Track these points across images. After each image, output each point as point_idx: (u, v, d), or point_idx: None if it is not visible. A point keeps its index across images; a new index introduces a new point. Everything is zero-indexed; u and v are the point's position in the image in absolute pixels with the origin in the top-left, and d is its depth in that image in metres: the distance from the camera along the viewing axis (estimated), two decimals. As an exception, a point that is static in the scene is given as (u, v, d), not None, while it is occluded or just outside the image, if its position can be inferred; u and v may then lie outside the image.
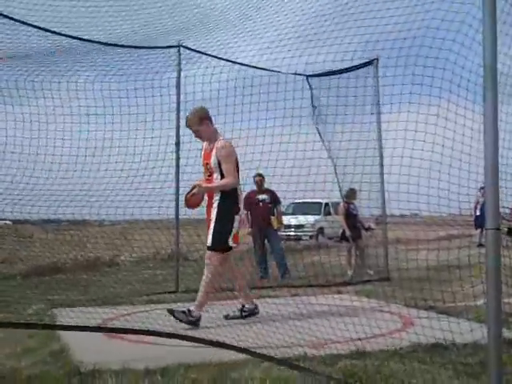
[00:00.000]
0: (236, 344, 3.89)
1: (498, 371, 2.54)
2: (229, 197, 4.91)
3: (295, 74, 6.33)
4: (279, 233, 9.29)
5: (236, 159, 5.02)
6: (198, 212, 5.33)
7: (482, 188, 3.69)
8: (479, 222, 11.52)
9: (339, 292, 6.79)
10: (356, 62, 6.69)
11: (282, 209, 9.44)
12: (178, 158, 6.93)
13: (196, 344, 4.02)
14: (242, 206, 5.11)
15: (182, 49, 7.10)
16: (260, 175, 8.42)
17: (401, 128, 3.47)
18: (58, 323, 4.86)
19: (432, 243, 7.39)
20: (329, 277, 7.67)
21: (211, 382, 3.23)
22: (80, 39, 6.05)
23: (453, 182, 3.11)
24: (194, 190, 4.95)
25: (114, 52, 6.56)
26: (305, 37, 4.56)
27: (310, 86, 7.77)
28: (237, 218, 4.97)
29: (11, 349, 4.05)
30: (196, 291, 5.05)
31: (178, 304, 5.34)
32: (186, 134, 6.41)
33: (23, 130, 5.77)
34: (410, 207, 3.37)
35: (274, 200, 8.68)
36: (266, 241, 8.79)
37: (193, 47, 7.08)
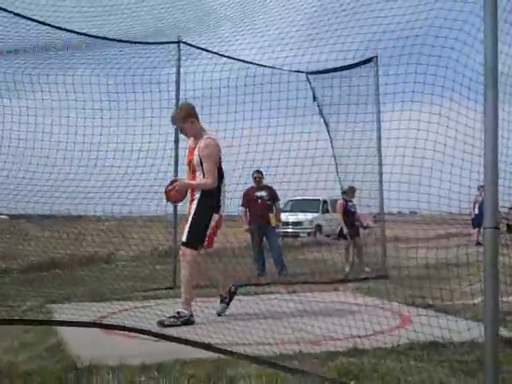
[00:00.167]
0: (229, 340, 3.89)
1: (495, 369, 2.55)
2: (209, 195, 4.85)
3: (295, 71, 6.33)
4: (277, 230, 9.30)
5: (219, 158, 4.94)
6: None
7: (480, 187, 3.69)
8: (477, 220, 11.55)
9: (336, 289, 6.80)
10: (358, 61, 6.70)
11: (281, 206, 9.44)
12: (176, 156, 6.91)
13: (191, 339, 4.02)
14: (223, 205, 5.00)
15: (181, 44, 7.08)
16: (259, 172, 8.41)
17: (403, 127, 3.46)
18: (53, 319, 4.85)
19: (431, 241, 7.40)
20: (326, 274, 7.68)
21: (207, 378, 3.23)
22: (78, 33, 6.02)
23: (454, 182, 3.11)
24: (175, 187, 4.88)
25: (112, 46, 6.53)
26: (307, 36, 4.55)
27: (310, 83, 7.78)
28: (215, 216, 4.88)
29: (8, 343, 4.04)
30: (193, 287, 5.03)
31: (176, 299, 5.33)
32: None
33: (19, 123, 5.75)
34: (410, 206, 3.37)
35: (273, 197, 8.67)
36: (263, 238, 8.80)
37: (193, 43, 7.06)
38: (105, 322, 4.85)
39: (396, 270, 5.86)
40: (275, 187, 8.19)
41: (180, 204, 5.26)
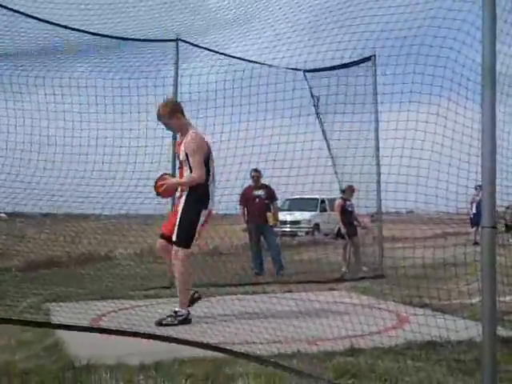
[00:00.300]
0: (227, 339, 3.90)
1: (493, 369, 2.56)
2: (197, 190, 4.78)
3: (293, 69, 6.33)
4: (275, 229, 9.30)
5: (206, 153, 4.85)
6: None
7: (478, 186, 3.69)
8: (475, 220, 11.57)
9: (334, 289, 6.81)
10: (356, 59, 6.70)
11: (278, 205, 9.44)
12: (174, 154, 6.91)
13: (190, 339, 4.02)
14: (212, 200, 4.94)
15: (180, 43, 7.07)
16: (257, 171, 8.40)
17: (401, 127, 3.46)
18: (52, 317, 4.84)
19: (428, 241, 7.41)
20: (324, 273, 7.69)
21: (205, 377, 3.23)
22: (76, 30, 6.00)
23: (451, 182, 3.11)
24: (164, 186, 4.84)
25: (109, 44, 6.52)
26: (304, 35, 4.55)
27: (307, 81, 7.78)
28: (204, 212, 4.83)
29: (5, 342, 4.04)
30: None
31: (173, 298, 5.33)
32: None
33: (16, 125, 5.74)
34: (407, 206, 3.37)
35: (271, 196, 8.67)
36: (261, 237, 8.80)
37: (191, 41, 7.05)
38: (103, 320, 4.86)
39: (393, 269, 5.86)
40: (272, 187, 8.20)
41: (169, 198, 5.20)
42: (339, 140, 6.47)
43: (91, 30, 6.09)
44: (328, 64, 5.08)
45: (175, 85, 7.03)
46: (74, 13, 5.71)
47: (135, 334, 3.83)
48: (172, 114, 4.88)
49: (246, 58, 6.14)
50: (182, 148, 4.82)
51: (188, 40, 6.98)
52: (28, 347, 3.91)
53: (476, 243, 11.10)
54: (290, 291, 6.54)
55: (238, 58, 6.51)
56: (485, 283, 2.58)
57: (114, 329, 4.04)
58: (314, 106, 7.59)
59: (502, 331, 3.58)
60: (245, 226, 8.86)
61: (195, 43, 7.01)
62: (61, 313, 4.79)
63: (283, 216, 15.47)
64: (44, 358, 3.63)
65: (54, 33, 5.89)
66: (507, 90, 3.21)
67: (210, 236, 7.93)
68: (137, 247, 9.56)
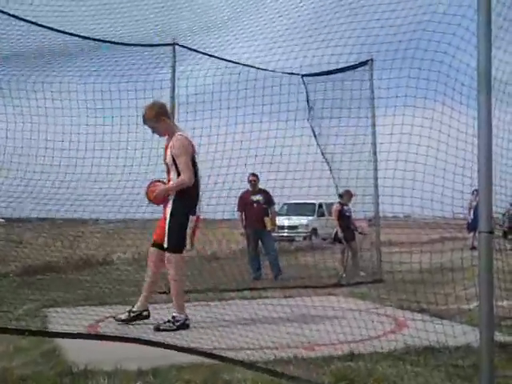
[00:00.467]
0: (224, 345, 3.89)
1: (490, 374, 2.56)
2: (184, 196, 4.74)
3: (290, 73, 6.34)
4: (273, 234, 9.30)
5: (192, 155, 4.81)
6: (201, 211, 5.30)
7: (475, 191, 3.69)
8: (472, 225, 11.57)
9: (332, 294, 6.80)
10: (353, 64, 6.71)
11: (276, 209, 9.44)
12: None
13: (187, 345, 4.02)
14: (198, 205, 4.90)
15: (176, 47, 7.08)
16: (254, 175, 8.40)
17: (396, 131, 3.47)
18: (49, 324, 4.83)
19: (425, 246, 7.41)
20: (322, 278, 7.68)
21: (203, 383, 3.22)
22: (71, 34, 6.00)
23: (447, 186, 3.12)
24: (154, 193, 4.81)
25: (107, 49, 6.52)
26: (299, 39, 4.55)
27: (304, 85, 7.79)
28: (192, 218, 4.79)
29: (3, 348, 4.02)
30: (187, 292, 5.00)
31: (169, 305, 5.32)
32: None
33: (15, 130, 5.74)
34: (403, 210, 3.38)
35: (268, 201, 8.67)
36: (259, 242, 8.79)
37: (187, 44, 7.07)
38: (100, 326, 4.84)
39: (391, 274, 5.86)
40: (269, 191, 8.20)
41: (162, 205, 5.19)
42: (335, 145, 6.49)
43: (86, 35, 6.10)
44: (324, 68, 5.08)
45: (172, 88, 7.04)
46: (69, 15, 5.72)
47: (133, 340, 3.82)
48: (158, 117, 4.83)
49: (242, 60, 6.15)
50: (169, 151, 4.78)
51: (184, 42, 7.00)
52: (25, 353, 3.89)
53: (473, 248, 11.11)
54: (287, 296, 6.53)
55: (234, 62, 6.52)
56: (482, 288, 2.59)
57: (112, 335, 4.02)
58: (309, 111, 7.60)
59: (499, 336, 3.58)
60: (243, 230, 8.85)
61: (192, 46, 7.03)
62: (58, 319, 4.77)
63: (281, 221, 15.46)
64: (42, 364, 3.62)
65: (49, 37, 5.89)
66: (502, 96, 3.23)
67: (208, 240, 7.93)
68: (135, 252, 9.53)
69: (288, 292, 6.86)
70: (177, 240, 4.74)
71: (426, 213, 3.30)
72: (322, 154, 7.54)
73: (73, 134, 5.99)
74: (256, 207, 8.71)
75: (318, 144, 7.74)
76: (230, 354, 3.68)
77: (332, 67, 5.06)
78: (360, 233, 9.10)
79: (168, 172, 4.86)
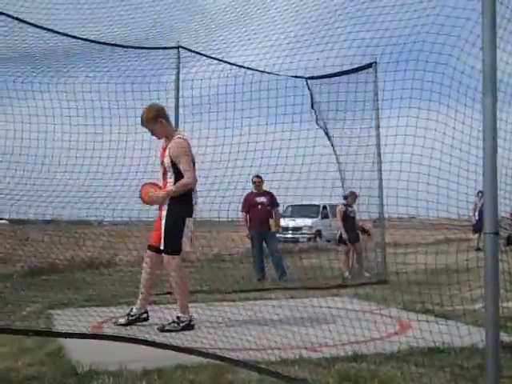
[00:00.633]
0: (228, 346, 3.89)
1: (496, 375, 2.56)
2: (180, 198, 4.74)
3: (294, 76, 6.35)
4: (277, 235, 9.30)
5: (192, 157, 4.83)
6: (196, 214, 5.29)
7: (480, 192, 3.69)
8: (478, 226, 11.56)
9: (337, 294, 6.80)
10: (355, 67, 6.72)
11: (280, 211, 9.45)
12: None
13: (192, 345, 4.03)
14: (195, 207, 4.90)
15: (181, 50, 7.11)
16: (258, 177, 8.42)
17: (400, 133, 3.47)
18: (53, 324, 4.84)
19: (430, 247, 7.39)
20: (326, 279, 7.68)
21: (208, 383, 3.23)
22: (77, 38, 6.04)
23: (451, 189, 3.12)
24: (153, 198, 4.78)
25: (111, 52, 6.55)
26: (304, 41, 4.56)
27: (309, 88, 7.81)
28: (188, 220, 4.79)
29: (7, 349, 4.04)
30: (191, 292, 5.01)
31: (174, 306, 5.33)
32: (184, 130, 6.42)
33: (22, 130, 5.76)
34: (408, 211, 3.38)
35: (273, 202, 8.68)
36: (263, 243, 8.80)
37: (192, 48, 7.09)
38: (104, 326, 4.86)
39: (395, 275, 5.86)
40: (273, 191, 8.19)
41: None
42: (341, 147, 6.50)
43: (91, 37, 6.13)
44: (328, 71, 5.09)
45: (176, 90, 7.06)
46: (74, 18, 5.75)
47: (138, 341, 3.82)
48: (156, 119, 4.83)
49: (246, 62, 6.16)
50: (167, 153, 4.78)
51: (189, 44, 7.02)
52: (30, 354, 3.91)
53: (478, 249, 11.09)
54: (291, 297, 6.53)
55: (238, 65, 6.54)
56: (487, 289, 2.59)
57: (117, 335, 4.03)
58: (315, 114, 7.62)
59: (505, 337, 3.58)
60: (247, 232, 8.87)
61: (195, 47, 7.06)
62: (62, 320, 4.79)
63: (285, 222, 15.48)
64: (46, 365, 3.63)
65: (55, 39, 5.92)
66: (508, 99, 3.23)
67: (212, 242, 7.93)
68: (138, 254, 9.56)
69: (292, 293, 6.87)
70: (173, 242, 4.74)
71: (431, 214, 3.30)
72: (336, 154, 7.55)
73: (80, 134, 6.01)
74: (260, 209, 8.72)
75: (332, 145, 7.76)
76: (234, 355, 3.70)
77: (336, 70, 5.06)
78: (366, 231, 9.08)
79: (164, 174, 4.85)
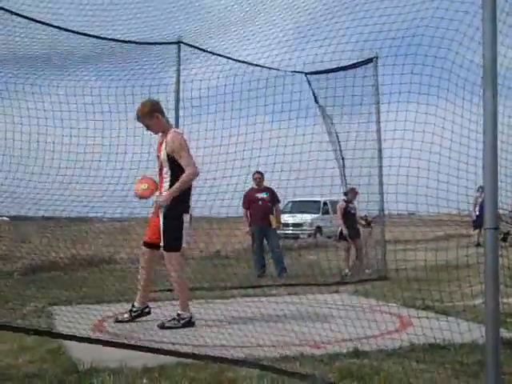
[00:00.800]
0: (230, 342, 3.89)
1: (496, 371, 2.55)
2: (177, 194, 4.70)
3: (295, 71, 6.33)
4: (278, 231, 9.30)
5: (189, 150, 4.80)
6: (199, 211, 5.30)
7: (480, 187, 3.68)
8: (478, 222, 11.54)
9: (337, 291, 6.79)
10: (354, 61, 6.71)
11: (281, 207, 9.44)
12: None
13: (193, 342, 4.03)
14: (191, 204, 4.89)
15: (182, 45, 7.09)
16: (259, 173, 8.40)
17: (399, 128, 3.46)
18: (54, 321, 4.85)
19: (430, 243, 7.38)
20: (326, 276, 7.68)
21: (209, 380, 3.23)
22: (77, 33, 6.02)
23: (451, 183, 3.11)
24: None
25: (111, 47, 6.54)
26: (302, 38, 4.55)
27: (309, 83, 7.79)
28: (186, 216, 4.78)
29: (8, 346, 4.04)
30: (192, 289, 5.01)
31: (173, 302, 5.33)
32: (185, 131, 6.41)
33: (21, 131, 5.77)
34: (408, 208, 3.37)
35: (273, 198, 8.67)
36: (264, 239, 8.80)
37: (192, 44, 7.08)
38: (105, 323, 4.86)
39: (396, 271, 5.85)
40: (273, 186, 8.20)
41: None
42: (343, 141, 6.48)
43: (92, 33, 6.12)
44: (327, 65, 5.07)
45: (177, 88, 7.05)
46: (74, 14, 5.74)
47: (137, 348, 3.73)
48: (151, 114, 4.81)
49: (246, 59, 6.16)
50: (163, 148, 4.76)
51: (190, 42, 7.01)
52: (31, 351, 3.90)
53: (478, 245, 11.08)
54: (292, 294, 6.52)
55: (238, 60, 6.52)
56: (487, 284, 2.58)
57: (115, 341, 3.95)
58: (321, 111, 7.60)
59: (505, 333, 3.57)
60: (248, 228, 8.86)
61: (196, 46, 7.04)
62: (63, 317, 4.80)
63: (285, 218, 15.46)
64: (47, 362, 3.63)
65: (55, 37, 5.91)
66: (505, 92, 3.21)
67: (212, 238, 7.94)
68: (139, 250, 9.56)
69: (292, 289, 6.86)
70: (173, 239, 4.74)
71: (431, 210, 3.29)
72: (340, 150, 7.53)
73: (80, 136, 6.01)
74: (261, 205, 8.71)
75: (337, 141, 7.74)
76: (235, 352, 3.69)
77: (335, 64, 5.04)
78: (369, 223, 9.05)
79: (160, 169, 4.84)
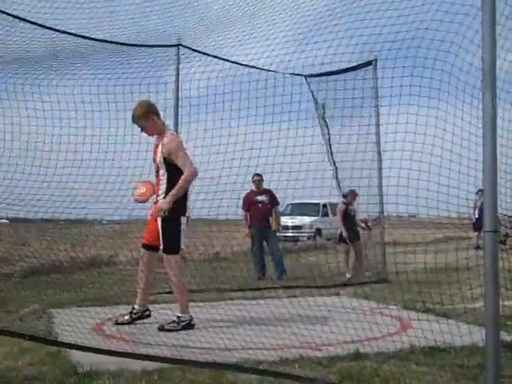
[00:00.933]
0: (229, 345, 3.89)
1: (496, 374, 2.55)
2: (180, 196, 4.69)
3: (294, 74, 6.33)
4: (277, 234, 9.30)
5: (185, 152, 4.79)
6: (197, 212, 5.29)
7: (479, 190, 3.67)
8: (477, 224, 11.54)
9: (337, 293, 6.79)
10: (354, 64, 6.71)
11: (280, 209, 9.44)
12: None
13: (193, 345, 4.02)
14: (187, 206, 4.89)
15: (181, 48, 7.10)
16: (258, 175, 8.40)
17: (400, 130, 3.46)
18: (53, 324, 4.84)
19: (430, 245, 7.37)
20: (326, 278, 7.67)
21: (208, 383, 3.22)
22: (77, 35, 6.02)
23: (452, 186, 3.11)
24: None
25: (111, 49, 6.54)
26: (301, 40, 4.55)
27: (308, 85, 7.79)
28: (183, 219, 4.77)
29: (8, 348, 4.03)
30: (191, 292, 5.00)
31: (172, 305, 5.32)
32: (184, 131, 6.42)
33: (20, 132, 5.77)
34: (408, 210, 3.37)
35: (273, 201, 8.67)
36: (263, 242, 8.79)
37: (192, 46, 7.09)
38: (104, 326, 4.85)
39: (396, 274, 5.85)
40: (272, 189, 8.19)
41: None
42: (343, 144, 6.47)
43: (91, 36, 6.12)
44: (327, 68, 5.08)
45: (176, 86, 7.06)
46: (73, 16, 5.74)
47: (131, 355, 3.69)
48: (147, 116, 4.80)
49: (246, 61, 6.17)
50: (159, 150, 4.76)
51: (189, 43, 7.01)
52: (31, 353, 3.89)
53: (478, 247, 11.07)
54: (292, 296, 6.52)
55: (237, 63, 6.53)
56: (487, 287, 2.58)
57: (112, 350, 3.90)
58: (319, 112, 7.60)
59: (505, 336, 3.57)
60: (247, 230, 8.86)
61: (196, 47, 7.04)
62: (62, 320, 4.79)
63: (285, 221, 15.45)
64: (47, 365, 3.62)
65: (54, 39, 5.91)
66: (504, 96, 3.22)
67: (211, 240, 7.93)
68: (138, 252, 9.55)
69: (292, 292, 6.86)
70: (172, 241, 4.74)
71: (431, 212, 3.28)
72: (331, 153, 7.53)
73: (78, 135, 6.01)
74: (260, 207, 8.72)
75: (328, 144, 7.74)
76: (235, 354, 3.69)
77: (334, 67, 5.05)
78: (367, 225, 9.04)
79: (157, 171, 4.84)
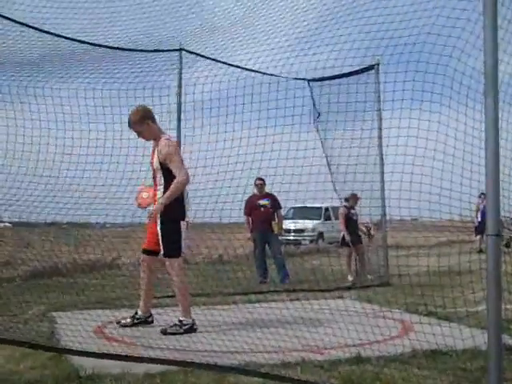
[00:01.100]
0: (231, 348, 3.89)
1: (498, 377, 2.55)
2: (172, 202, 4.67)
3: (296, 78, 6.34)
4: (280, 237, 9.30)
5: (181, 157, 4.81)
6: (201, 215, 5.30)
7: (482, 194, 3.67)
8: (480, 228, 11.53)
9: (339, 297, 6.79)
10: (356, 68, 6.73)
11: (283, 213, 9.44)
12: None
13: (195, 348, 4.03)
14: (188, 211, 4.90)
15: (183, 52, 7.12)
16: (261, 179, 8.41)
17: (402, 134, 3.47)
18: (56, 327, 4.84)
19: (432, 249, 7.37)
20: (328, 282, 7.67)
21: (210, 386, 3.22)
22: (79, 41, 6.05)
23: (455, 190, 3.11)
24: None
25: (114, 55, 6.57)
26: (304, 43, 4.56)
27: (311, 90, 7.80)
28: (183, 223, 4.78)
29: (10, 352, 4.03)
30: (193, 295, 5.00)
31: (173, 309, 5.33)
32: (187, 135, 6.44)
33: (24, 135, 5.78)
34: (411, 213, 3.37)
35: (275, 205, 8.68)
36: (266, 245, 8.79)
37: (194, 51, 7.11)
38: (107, 329, 4.86)
39: (398, 277, 5.85)
40: (274, 193, 8.20)
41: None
42: (346, 148, 6.48)
43: (93, 41, 6.15)
44: (329, 72, 5.09)
45: (179, 93, 7.08)
46: (76, 22, 5.77)
47: (136, 359, 3.70)
48: (143, 121, 4.81)
49: (248, 65, 6.18)
50: (156, 155, 4.77)
51: (191, 47, 7.03)
52: (32, 357, 3.90)
53: (481, 251, 11.06)
54: (295, 299, 6.52)
55: (240, 67, 6.54)
56: (490, 291, 2.58)
57: (115, 354, 3.91)
58: (317, 116, 7.61)
59: (507, 339, 3.56)
60: (249, 234, 8.86)
61: (198, 51, 7.07)
62: (64, 322, 4.79)
63: (287, 225, 15.45)
64: (49, 368, 3.63)
65: (57, 43, 5.94)
66: (508, 99, 3.22)
67: (214, 244, 7.93)
68: (140, 256, 9.55)
69: (295, 295, 6.85)
70: (173, 245, 4.74)
71: (434, 216, 3.29)
72: (327, 158, 7.55)
73: (82, 138, 6.02)
74: (263, 211, 8.72)
75: (323, 151, 7.75)
76: (237, 357, 3.69)
77: (337, 71, 5.06)
78: (368, 230, 9.04)
79: (154, 177, 4.85)
